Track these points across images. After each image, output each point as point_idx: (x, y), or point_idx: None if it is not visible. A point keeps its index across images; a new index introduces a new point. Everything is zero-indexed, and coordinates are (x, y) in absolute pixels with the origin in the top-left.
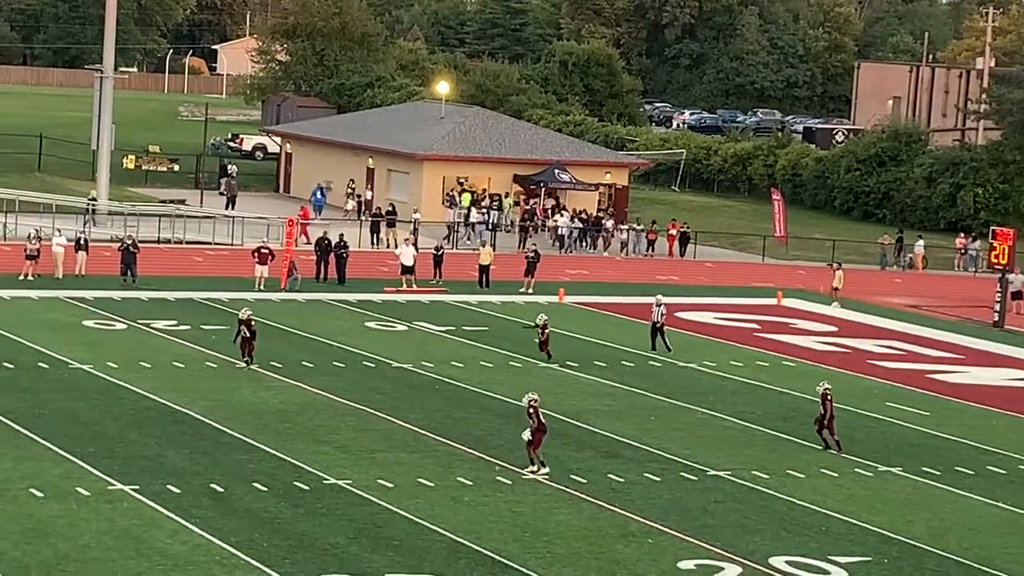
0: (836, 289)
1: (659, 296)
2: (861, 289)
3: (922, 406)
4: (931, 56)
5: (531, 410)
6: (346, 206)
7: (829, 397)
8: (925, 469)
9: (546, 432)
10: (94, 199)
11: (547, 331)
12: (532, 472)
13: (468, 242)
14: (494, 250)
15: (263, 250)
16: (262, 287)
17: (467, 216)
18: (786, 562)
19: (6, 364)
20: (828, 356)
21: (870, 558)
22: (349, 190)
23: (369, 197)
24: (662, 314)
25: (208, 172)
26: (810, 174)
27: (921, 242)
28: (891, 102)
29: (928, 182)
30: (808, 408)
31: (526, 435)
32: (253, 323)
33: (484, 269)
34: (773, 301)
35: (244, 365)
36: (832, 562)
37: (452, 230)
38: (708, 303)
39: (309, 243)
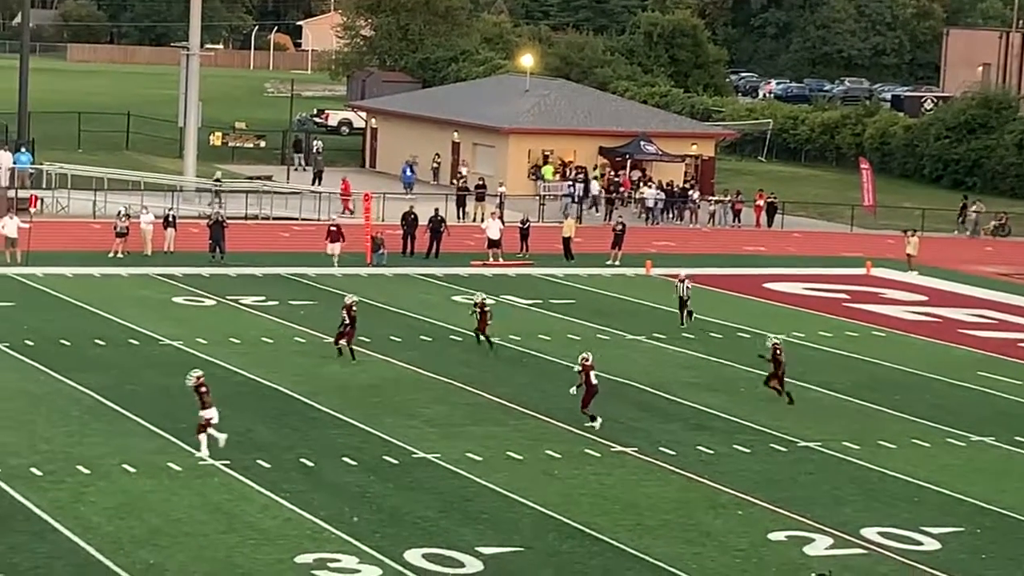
0: (911, 256)
1: (682, 272)
2: (952, 258)
3: (1014, 375)
4: (1021, 22)
5: (581, 369)
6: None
7: (779, 351)
8: (1018, 439)
9: (596, 392)
10: (219, 180)
11: (487, 311)
12: (595, 425)
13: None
14: (580, 223)
15: (332, 228)
16: (337, 264)
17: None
18: (878, 533)
19: (97, 341)
20: (918, 326)
21: (963, 528)
22: (463, 167)
23: (464, 172)
24: (687, 289)
25: (291, 150)
26: (899, 142)
27: (976, 207)
28: (980, 69)
29: (1019, 149)
30: (899, 379)
31: (573, 391)
32: (355, 309)
33: (567, 241)
34: (862, 271)
35: (337, 352)
36: (924, 533)
37: (539, 203)
38: (796, 274)
39: (348, 213)
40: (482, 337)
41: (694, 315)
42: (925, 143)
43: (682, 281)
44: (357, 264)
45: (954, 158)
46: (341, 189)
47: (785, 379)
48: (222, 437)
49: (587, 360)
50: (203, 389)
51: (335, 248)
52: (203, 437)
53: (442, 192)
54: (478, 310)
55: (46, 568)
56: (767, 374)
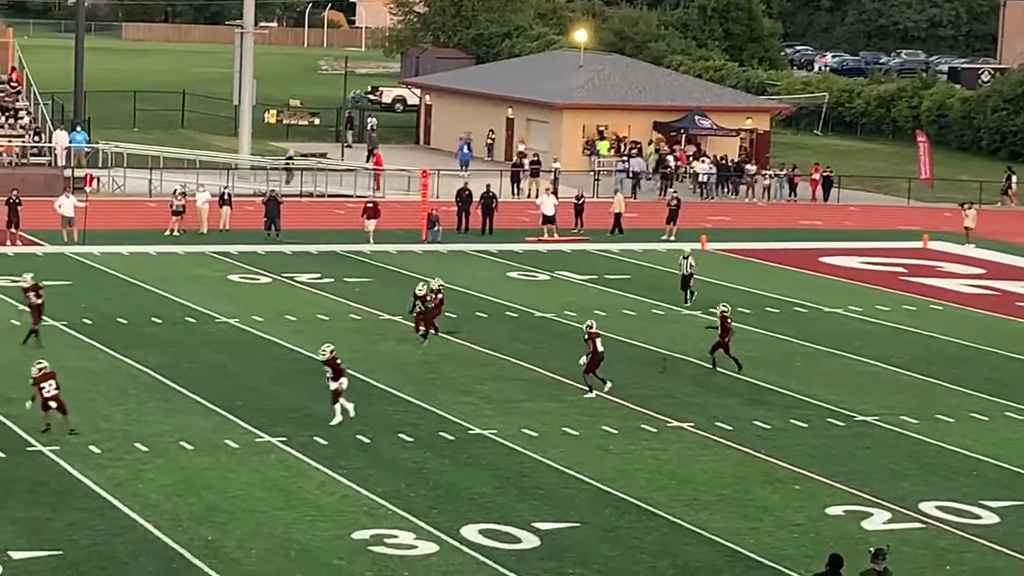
0: (968, 229)
1: (686, 248)
2: (1009, 230)
3: None
4: None
5: (588, 336)
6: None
7: (728, 319)
8: None
9: (602, 359)
10: (291, 157)
11: (439, 296)
12: (590, 396)
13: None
14: (635, 198)
15: (369, 204)
16: (372, 240)
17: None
18: (936, 507)
19: (154, 319)
20: (976, 299)
21: (1021, 502)
22: (520, 144)
23: (523, 148)
24: (691, 265)
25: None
26: (956, 115)
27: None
28: None
29: None
30: (957, 352)
31: (582, 361)
32: (428, 299)
33: (617, 217)
34: (919, 244)
35: (421, 339)
36: (983, 506)
37: (593, 178)
38: (853, 247)
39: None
40: (423, 329)
41: (695, 294)
42: (982, 115)
43: (686, 258)
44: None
45: (1012, 130)
46: (374, 162)
47: (731, 346)
48: (351, 407)
49: (592, 327)
50: (338, 361)
51: (371, 224)
52: (337, 407)
53: (496, 168)
54: (433, 297)
55: (105, 545)
56: (714, 343)
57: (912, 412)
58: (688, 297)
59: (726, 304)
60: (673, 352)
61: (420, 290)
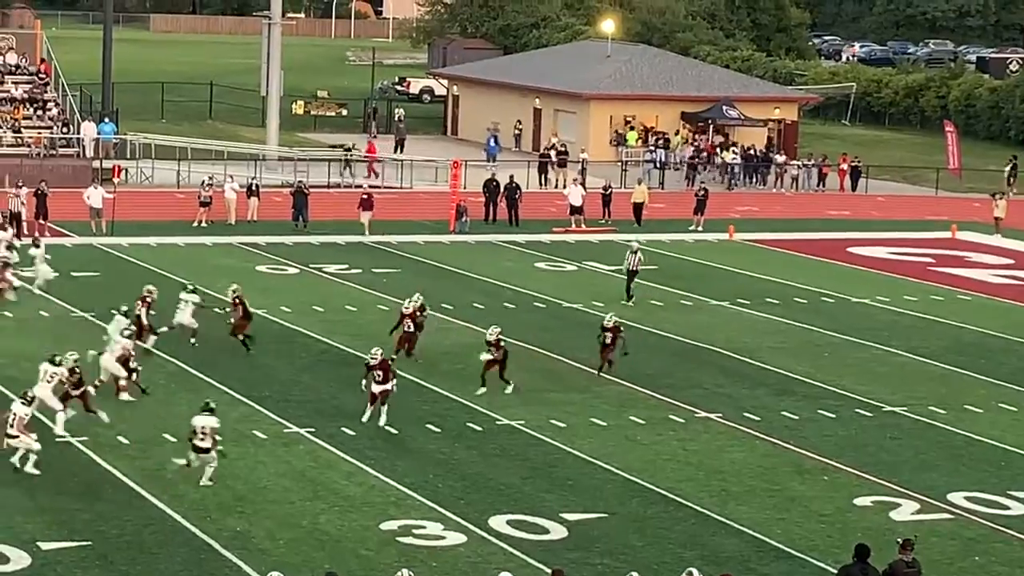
0: (999, 219)
1: (635, 242)
2: None
3: None
4: None
5: (493, 341)
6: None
7: (621, 332)
8: None
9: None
10: (349, 148)
11: (419, 318)
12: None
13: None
14: (663, 188)
15: (364, 196)
16: (368, 232)
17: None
18: (964, 498)
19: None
20: (1004, 289)
21: None
22: (553, 137)
23: (555, 141)
24: (638, 260)
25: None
26: (984, 104)
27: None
28: None
29: None
30: (985, 342)
31: (484, 356)
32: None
33: (638, 207)
34: (947, 234)
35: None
36: (1012, 497)
37: (621, 169)
38: (881, 238)
39: (373, 176)
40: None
41: (634, 298)
42: (1011, 105)
43: (634, 252)
44: (440, 232)
45: None
46: (367, 150)
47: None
48: (384, 410)
49: (496, 333)
50: (389, 363)
51: (366, 216)
52: (372, 409)
53: (523, 159)
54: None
55: (134, 536)
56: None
57: (940, 402)
58: (629, 292)
59: (617, 317)
60: (701, 343)
61: (407, 308)
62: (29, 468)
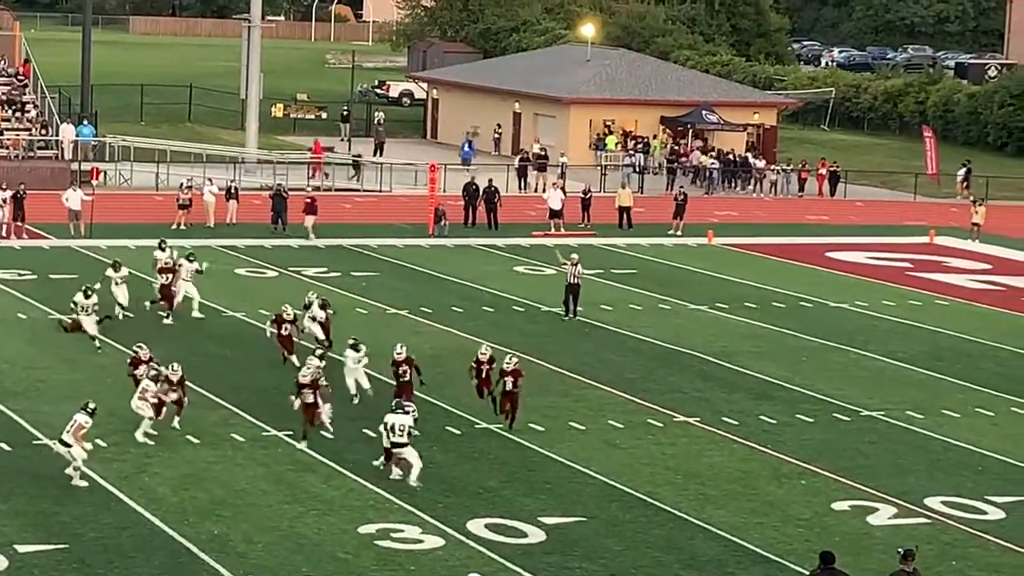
0: (977, 225)
1: (574, 255)
2: (1017, 226)
3: None
4: None
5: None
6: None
7: (521, 376)
8: None
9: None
10: (359, 155)
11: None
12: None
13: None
14: (642, 192)
15: (307, 200)
16: (312, 236)
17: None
18: (941, 502)
19: (160, 313)
20: (982, 294)
21: None
22: (536, 144)
23: (539, 149)
24: (577, 273)
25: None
26: (962, 110)
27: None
28: None
29: None
30: (963, 347)
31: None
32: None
33: (624, 211)
34: (925, 239)
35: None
36: (988, 502)
37: (600, 173)
38: (859, 242)
39: (323, 177)
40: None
41: (579, 313)
42: (989, 111)
43: (575, 264)
44: (419, 235)
45: (1018, 125)
46: (312, 149)
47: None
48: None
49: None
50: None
51: (309, 220)
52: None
53: (503, 163)
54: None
55: (111, 539)
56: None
57: (918, 407)
58: (570, 309)
59: (486, 348)
60: (679, 347)
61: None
62: (76, 481)
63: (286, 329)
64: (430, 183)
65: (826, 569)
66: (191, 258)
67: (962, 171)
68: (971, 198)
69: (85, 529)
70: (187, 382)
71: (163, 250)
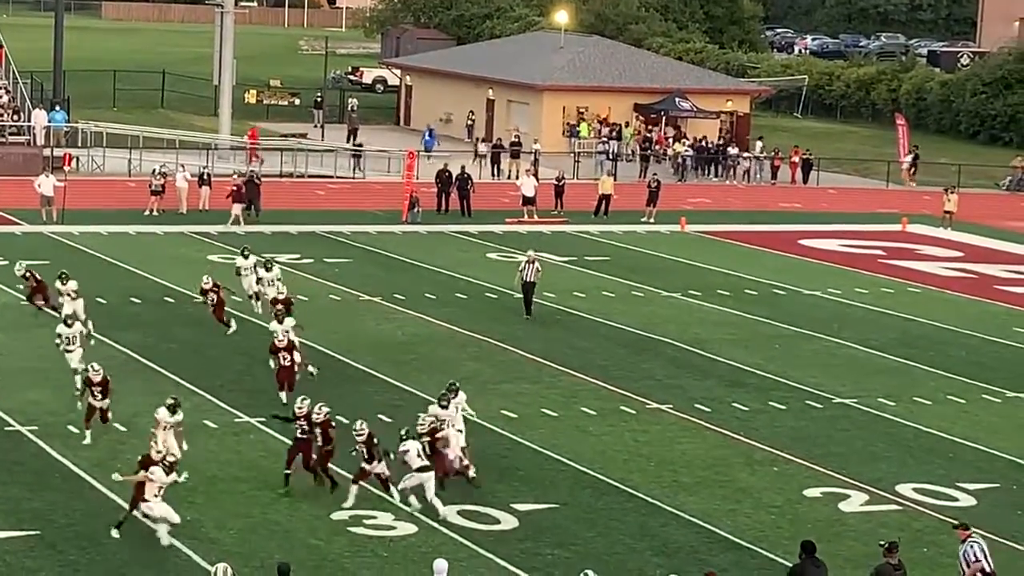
0: (949, 213)
1: (531, 252)
2: (988, 214)
3: None
4: None
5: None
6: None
7: (376, 442)
8: None
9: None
10: (360, 144)
11: (220, 293)
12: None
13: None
14: (615, 180)
15: (234, 188)
16: (240, 223)
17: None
18: (913, 489)
19: (133, 299)
20: (954, 282)
21: (998, 484)
22: (515, 132)
23: (516, 137)
24: (536, 271)
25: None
26: (935, 98)
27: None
28: (1017, 23)
29: None
30: (935, 335)
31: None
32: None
33: (605, 198)
34: (898, 227)
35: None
36: (960, 489)
37: (574, 160)
38: (832, 230)
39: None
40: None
41: (533, 311)
42: (961, 98)
43: (532, 262)
44: (392, 222)
45: (990, 113)
46: (248, 136)
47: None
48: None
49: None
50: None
51: (237, 208)
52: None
53: (474, 150)
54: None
55: (83, 525)
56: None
57: (890, 394)
58: (529, 308)
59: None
60: (652, 334)
61: (206, 282)
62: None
63: (211, 299)
64: (407, 170)
65: (808, 558)
66: (269, 266)
67: (908, 158)
68: (944, 186)
69: (57, 515)
70: (160, 368)
71: (246, 257)
